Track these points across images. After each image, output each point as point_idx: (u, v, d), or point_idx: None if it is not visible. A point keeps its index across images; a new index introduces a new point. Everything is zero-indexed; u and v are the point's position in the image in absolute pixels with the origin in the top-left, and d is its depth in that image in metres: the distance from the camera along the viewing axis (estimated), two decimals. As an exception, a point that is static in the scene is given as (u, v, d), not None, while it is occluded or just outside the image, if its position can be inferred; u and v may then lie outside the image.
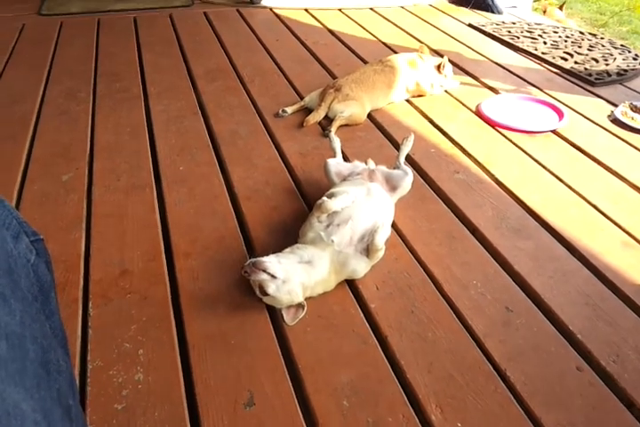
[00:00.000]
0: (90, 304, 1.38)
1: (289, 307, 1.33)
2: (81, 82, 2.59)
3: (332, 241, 1.41)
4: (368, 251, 1.43)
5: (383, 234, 1.43)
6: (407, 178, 1.70)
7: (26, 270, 0.69)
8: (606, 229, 1.71)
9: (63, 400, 0.66)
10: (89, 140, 2.11)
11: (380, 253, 1.45)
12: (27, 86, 2.54)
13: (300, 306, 1.34)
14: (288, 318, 1.32)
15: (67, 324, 1.29)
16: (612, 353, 1.29)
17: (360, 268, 1.44)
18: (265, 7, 3.75)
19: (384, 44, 3.20)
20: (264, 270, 1.29)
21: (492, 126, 2.30)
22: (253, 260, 1.31)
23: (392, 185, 1.68)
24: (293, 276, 1.32)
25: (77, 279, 1.45)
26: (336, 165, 1.75)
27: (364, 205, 1.50)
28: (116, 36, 3.20)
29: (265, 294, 1.30)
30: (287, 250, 1.42)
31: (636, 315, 1.41)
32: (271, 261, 1.32)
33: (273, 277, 1.29)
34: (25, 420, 0.55)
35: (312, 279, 1.36)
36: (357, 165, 1.76)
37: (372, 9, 3.81)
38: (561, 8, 4.26)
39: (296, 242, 1.48)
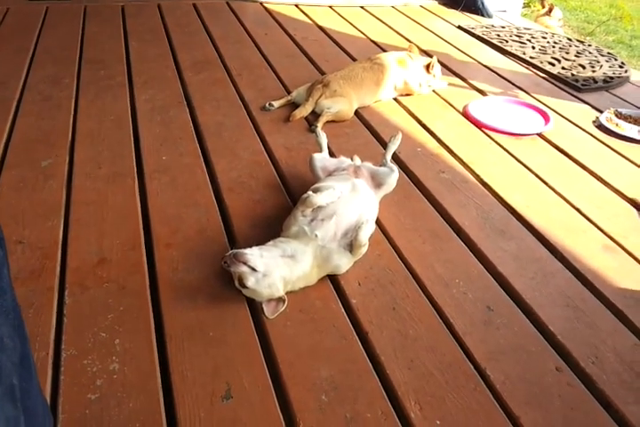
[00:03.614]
0: (66, 292, 1.34)
1: (269, 300, 1.31)
2: (65, 68, 2.55)
3: (316, 236, 1.39)
4: (351, 246, 1.42)
5: (367, 230, 1.42)
6: (393, 175, 1.69)
7: None
8: (588, 232, 1.72)
9: (5, 379, 0.64)
10: (71, 127, 2.07)
11: (364, 249, 1.44)
12: (9, 71, 2.49)
13: (280, 300, 1.32)
14: (268, 311, 1.30)
15: (41, 311, 1.28)
16: (592, 354, 1.30)
17: (343, 263, 1.43)
18: (255, 1, 3.72)
19: (373, 42, 3.19)
20: (244, 263, 1.27)
21: (479, 127, 2.30)
22: (234, 251, 1.29)
23: (377, 182, 1.67)
24: (274, 269, 1.30)
25: (54, 267, 1.42)
26: (322, 159, 1.73)
27: (348, 201, 1.49)
28: (102, 23, 3.15)
29: (244, 286, 1.28)
30: (270, 243, 1.40)
31: (616, 317, 1.41)
32: (252, 254, 1.30)
33: (253, 269, 1.27)
34: None
35: (294, 274, 1.35)
36: (343, 160, 1.75)
37: (362, 7, 3.80)
38: (549, 12, 4.28)
39: (279, 235, 1.46)
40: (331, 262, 1.41)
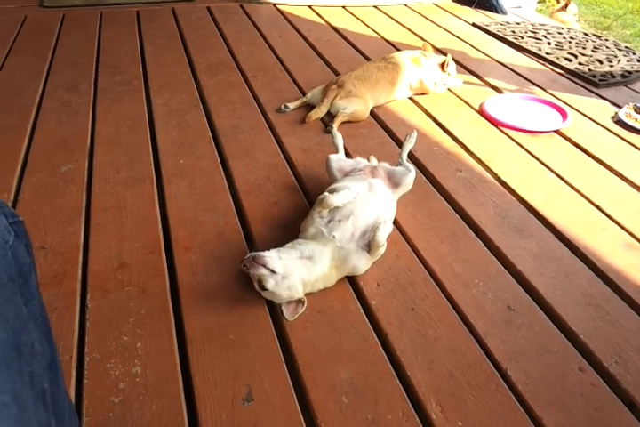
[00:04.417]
0: (88, 296, 1.36)
1: (289, 302, 1.32)
2: (82, 74, 2.58)
3: (334, 237, 1.39)
4: (369, 247, 1.41)
5: (385, 230, 1.41)
6: (410, 175, 1.69)
7: (2, 251, 0.67)
8: (609, 230, 1.70)
9: (37, 384, 0.65)
10: (89, 132, 2.09)
11: (382, 250, 1.44)
12: (27, 78, 2.52)
13: (300, 302, 1.32)
14: (288, 313, 1.31)
15: (64, 316, 1.29)
16: (615, 354, 1.28)
17: (361, 264, 1.43)
18: (268, 3, 3.73)
19: (387, 41, 3.18)
20: (263, 265, 1.28)
21: (496, 125, 2.28)
22: (253, 254, 1.30)
23: (394, 182, 1.67)
24: (293, 271, 1.31)
25: (75, 271, 1.44)
26: (338, 160, 1.73)
27: (365, 201, 1.49)
28: (118, 29, 3.18)
29: (264, 288, 1.28)
30: (288, 245, 1.40)
31: (639, 316, 1.39)
32: (271, 256, 1.30)
33: (272, 272, 1.28)
34: None
35: (312, 275, 1.35)
36: (360, 161, 1.75)
37: (375, 7, 3.79)
38: (565, 8, 4.24)
39: (297, 237, 1.46)
40: (349, 263, 1.40)
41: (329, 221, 1.43)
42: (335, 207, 1.45)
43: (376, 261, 1.47)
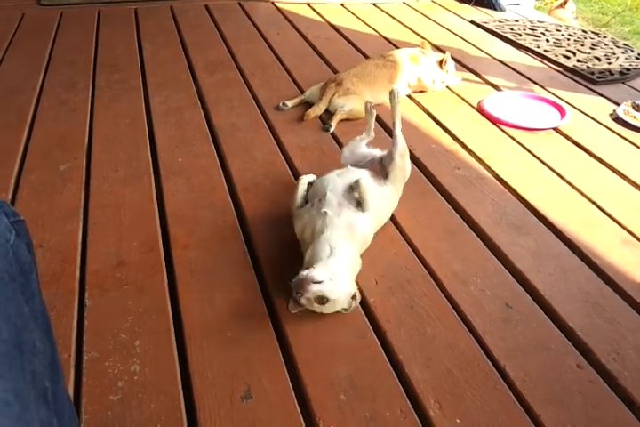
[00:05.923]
0: (86, 295, 1.36)
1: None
2: (80, 72, 2.57)
3: (325, 212, 1.38)
4: (358, 197, 1.43)
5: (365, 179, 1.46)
6: (392, 157, 1.62)
7: (4, 250, 0.67)
8: (607, 227, 1.70)
9: (38, 382, 0.65)
10: (87, 130, 2.09)
11: (366, 195, 1.43)
12: (25, 76, 2.52)
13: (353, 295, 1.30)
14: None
15: (63, 314, 1.29)
16: (613, 351, 1.28)
17: (364, 226, 1.42)
18: (267, 1, 3.72)
19: (386, 39, 3.18)
20: (312, 281, 1.22)
21: (494, 123, 2.28)
22: (297, 279, 1.23)
23: (384, 171, 1.63)
24: (336, 269, 1.28)
25: (74, 270, 1.44)
26: (349, 155, 1.73)
27: (334, 179, 1.52)
28: (116, 27, 3.18)
29: (326, 301, 1.23)
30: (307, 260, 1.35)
31: (637, 313, 1.40)
32: (309, 271, 1.25)
33: (320, 282, 1.22)
34: None
35: (350, 261, 1.34)
36: (373, 153, 1.72)
37: (374, 4, 3.79)
38: (564, 5, 4.24)
39: (294, 235, 1.45)
40: (356, 229, 1.39)
41: (312, 206, 1.44)
42: (311, 191, 1.50)
43: (375, 259, 1.47)
